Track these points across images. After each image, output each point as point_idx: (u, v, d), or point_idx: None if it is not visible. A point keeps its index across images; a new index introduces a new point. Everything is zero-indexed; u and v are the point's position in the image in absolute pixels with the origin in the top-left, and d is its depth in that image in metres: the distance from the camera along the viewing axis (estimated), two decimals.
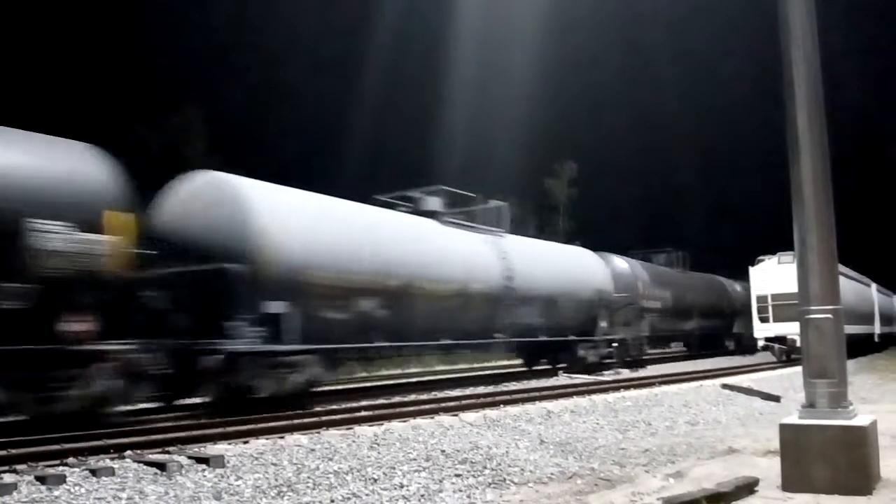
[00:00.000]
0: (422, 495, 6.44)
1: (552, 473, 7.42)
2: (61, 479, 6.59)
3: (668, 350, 34.36)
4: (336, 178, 34.92)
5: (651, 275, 27.10)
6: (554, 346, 19.85)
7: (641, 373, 20.78)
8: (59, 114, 24.54)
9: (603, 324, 21.07)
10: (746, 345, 31.93)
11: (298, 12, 49.02)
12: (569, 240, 32.85)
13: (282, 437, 8.85)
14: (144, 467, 7.20)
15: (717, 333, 34.07)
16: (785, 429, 5.97)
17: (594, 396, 13.60)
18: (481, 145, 48.49)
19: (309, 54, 48.09)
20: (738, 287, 34.96)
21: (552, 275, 19.32)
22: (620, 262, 25.40)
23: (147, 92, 30.62)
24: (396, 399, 13.56)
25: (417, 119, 49.27)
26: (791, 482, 5.81)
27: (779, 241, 22.59)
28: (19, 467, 7.06)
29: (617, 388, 15.06)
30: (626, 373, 20.64)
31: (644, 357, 24.16)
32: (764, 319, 25.28)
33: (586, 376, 18.77)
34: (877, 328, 34.61)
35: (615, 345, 21.67)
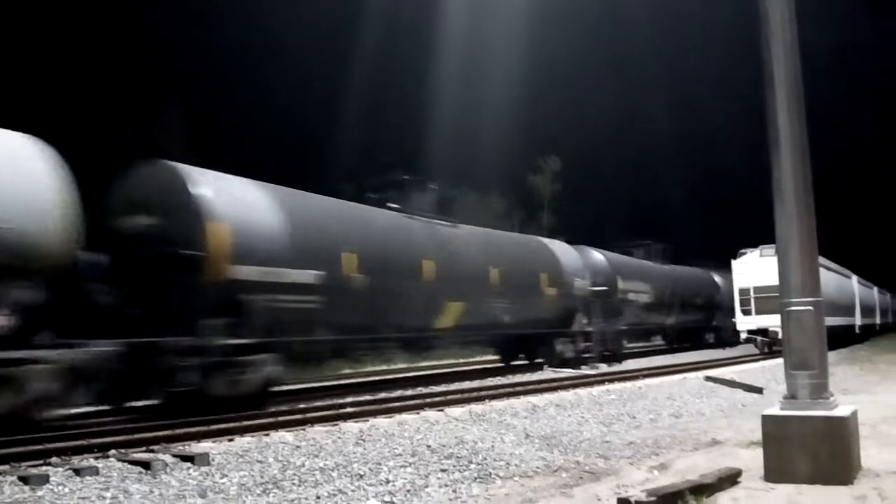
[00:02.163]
0: (408, 490, 6.45)
1: (537, 467, 7.45)
2: (44, 479, 6.54)
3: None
4: (321, 174, 34.77)
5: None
6: None
7: None
8: (40, 111, 24.30)
9: None
10: (565, 358, 20.01)
11: (285, 9, 48.77)
12: (551, 235, 28.35)
13: (267, 435, 8.83)
14: (129, 466, 7.16)
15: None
16: (767, 420, 6.02)
17: (579, 390, 13.67)
18: (466, 141, 48.45)
19: (294, 49, 47.84)
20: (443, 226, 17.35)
21: None
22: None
23: (128, 90, 30.30)
24: (382, 395, 13.55)
25: (403, 116, 49.17)
26: (773, 473, 5.87)
27: (761, 235, 22.77)
28: (1, 467, 6.99)
29: (601, 382, 15.13)
30: None
31: None
32: (746, 312, 25.51)
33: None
34: (857, 320, 34.94)
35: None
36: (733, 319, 31.21)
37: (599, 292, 22.67)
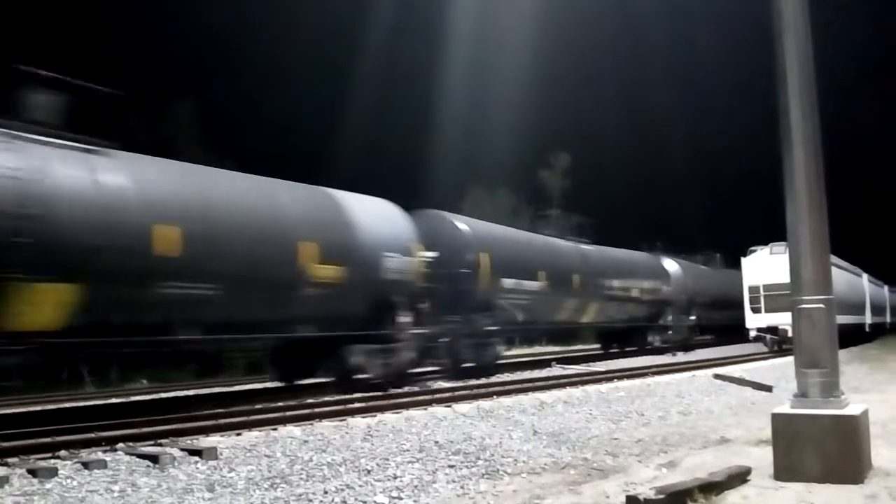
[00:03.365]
0: (415, 486, 6.44)
1: (545, 464, 7.43)
2: (53, 472, 6.57)
3: None
4: (331, 170, 34.81)
5: None
6: None
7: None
8: None
9: None
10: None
11: (296, 5, 48.86)
12: (560, 232, 24.76)
13: (275, 429, 8.85)
14: (137, 460, 7.19)
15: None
16: (777, 418, 5.98)
17: (587, 387, 13.67)
18: (477, 138, 48.42)
19: (306, 45, 47.92)
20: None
21: None
22: None
23: (139, 83, 30.39)
24: (390, 390, 13.55)
25: (413, 112, 49.20)
26: (783, 471, 5.82)
27: (771, 232, 22.65)
28: (11, 460, 7.04)
29: (610, 379, 15.11)
30: None
31: None
32: (756, 310, 25.41)
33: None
34: (868, 318, 34.78)
35: None
36: (691, 317, 29.29)
37: (451, 276, 16.05)
